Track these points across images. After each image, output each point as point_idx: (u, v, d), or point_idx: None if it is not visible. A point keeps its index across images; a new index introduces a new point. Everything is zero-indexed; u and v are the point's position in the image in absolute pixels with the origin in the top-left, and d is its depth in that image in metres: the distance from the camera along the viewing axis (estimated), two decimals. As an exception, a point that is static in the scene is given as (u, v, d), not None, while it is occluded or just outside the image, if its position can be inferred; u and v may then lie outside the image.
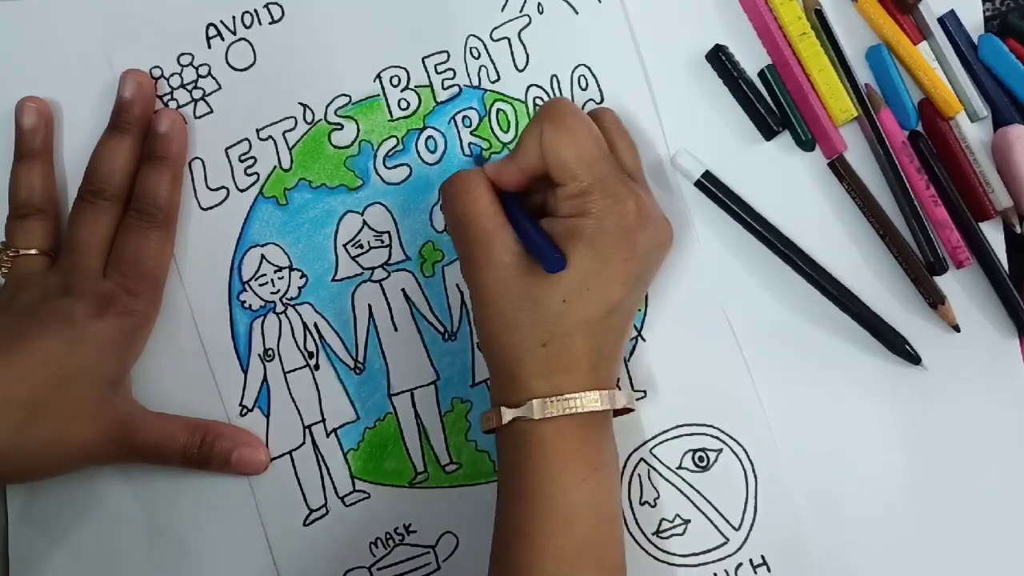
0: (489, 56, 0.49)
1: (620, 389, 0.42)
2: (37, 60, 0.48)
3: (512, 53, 0.49)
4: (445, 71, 0.49)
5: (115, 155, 0.46)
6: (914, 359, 0.47)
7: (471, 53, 0.49)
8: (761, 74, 0.49)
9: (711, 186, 0.47)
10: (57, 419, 0.43)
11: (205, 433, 0.46)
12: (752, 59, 0.49)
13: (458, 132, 0.49)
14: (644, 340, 0.48)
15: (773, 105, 0.48)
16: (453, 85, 0.49)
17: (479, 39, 0.49)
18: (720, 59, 0.48)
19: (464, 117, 0.49)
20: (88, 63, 0.48)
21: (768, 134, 0.48)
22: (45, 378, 0.42)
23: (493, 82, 0.49)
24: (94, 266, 0.45)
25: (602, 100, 0.49)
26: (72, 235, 0.45)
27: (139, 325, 0.45)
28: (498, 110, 0.49)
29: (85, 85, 0.48)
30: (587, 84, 0.49)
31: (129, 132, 0.47)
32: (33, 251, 0.46)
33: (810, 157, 0.49)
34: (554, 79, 0.49)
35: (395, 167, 0.48)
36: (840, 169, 0.48)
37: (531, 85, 0.49)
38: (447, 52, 0.49)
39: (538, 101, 0.49)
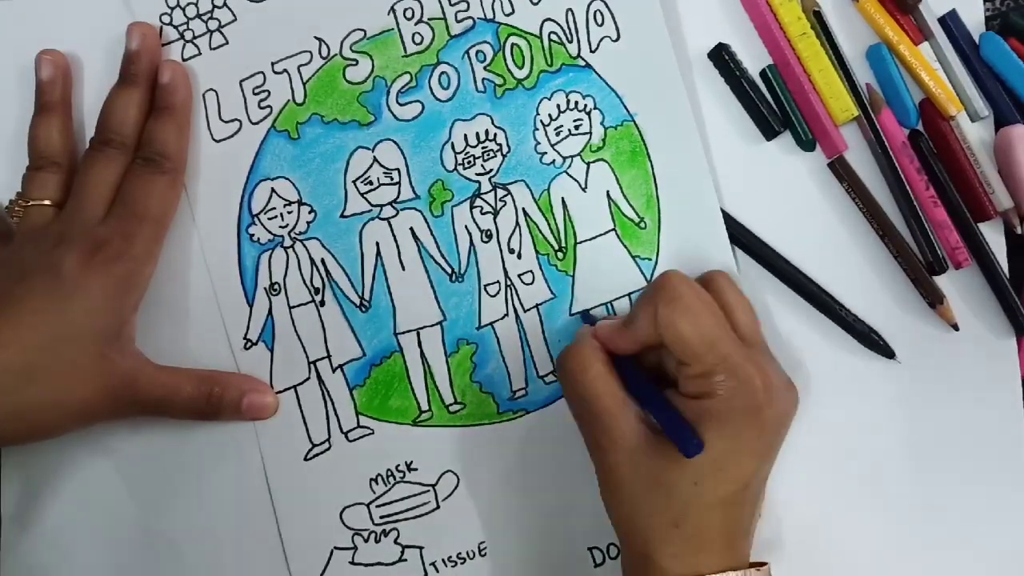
0: None
1: (756, 568, 0.40)
2: (55, 11, 0.48)
3: (527, -16, 0.48)
4: (458, 2, 0.48)
5: (125, 106, 0.46)
6: (887, 353, 0.47)
7: None
8: (763, 74, 0.48)
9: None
10: (52, 381, 0.42)
11: (212, 384, 0.46)
12: (755, 59, 0.48)
13: (472, 67, 0.48)
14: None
15: (775, 105, 0.48)
16: (467, 18, 0.48)
17: None
18: (723, 58, 0.48)
19: (478, 51, 0.48)
20: (106, 8, 0.48)
21: (769, 134, 0.48)
22: (34, 340, 0.42)
23: (507, 15, 0.48)
24: (95, 213, 0.44)
25: (618, 37, 0.48)
26: (78, 182, 0.45)
27: (132, 271, 0.44)
28: (513, 45, 0.48)
29: (105, 33, 0.48)
30: (603, 20, 0.48)
31: (137, 84, 0.46)
32: (45, 202, 0.46)
33: (810, 157, 0.48)
34: (569, 13, 0.48)
35: (407, 103, 0.48)
36: (840, 169, 0.47)
37: (546, 19, 0.48)
38: None
39: (553, 36, 0.48)
